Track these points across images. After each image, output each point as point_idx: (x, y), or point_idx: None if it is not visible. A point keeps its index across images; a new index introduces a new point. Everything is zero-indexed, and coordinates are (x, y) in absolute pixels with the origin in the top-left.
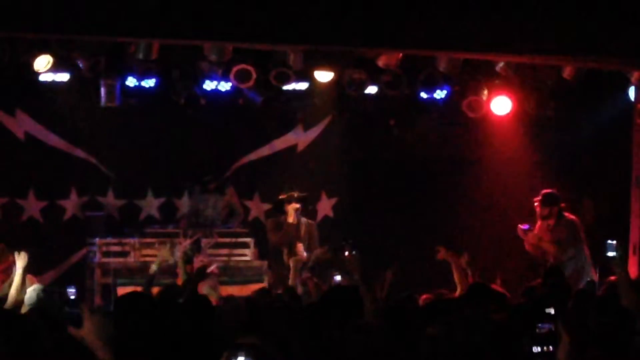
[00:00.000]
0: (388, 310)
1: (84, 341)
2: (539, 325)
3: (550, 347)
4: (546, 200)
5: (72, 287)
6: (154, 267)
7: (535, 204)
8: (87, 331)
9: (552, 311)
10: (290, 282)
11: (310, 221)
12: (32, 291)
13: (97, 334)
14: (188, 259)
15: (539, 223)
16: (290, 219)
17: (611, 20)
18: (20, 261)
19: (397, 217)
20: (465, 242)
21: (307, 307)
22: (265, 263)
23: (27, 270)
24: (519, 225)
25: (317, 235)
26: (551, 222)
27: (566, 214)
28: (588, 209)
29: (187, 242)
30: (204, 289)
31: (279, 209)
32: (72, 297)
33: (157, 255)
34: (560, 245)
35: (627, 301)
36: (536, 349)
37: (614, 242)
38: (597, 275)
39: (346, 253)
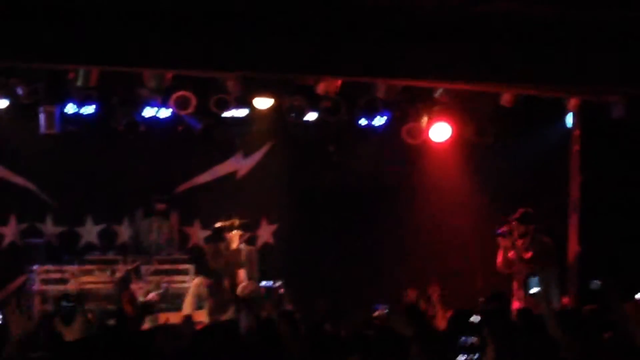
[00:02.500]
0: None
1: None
2: (463, 338)
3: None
4: (523, 219)
5: None
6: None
7: (512, 222)
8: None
9: (477, 318)
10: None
11: (250, 247)
12: None
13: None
14: (124, 285)
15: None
16: (234, 245)
17: (548, 48)
18: None
19: (337, 243)
20: (406, 267)
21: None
22: (205, 290)
23: None
24: (498, 230)
25: (257, 261)
26: (526, 240)
27: (540, 234)
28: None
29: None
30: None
31: (218, 236)
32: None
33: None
34: (529, 263)
35: (553, 332)
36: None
37: (536, 277)
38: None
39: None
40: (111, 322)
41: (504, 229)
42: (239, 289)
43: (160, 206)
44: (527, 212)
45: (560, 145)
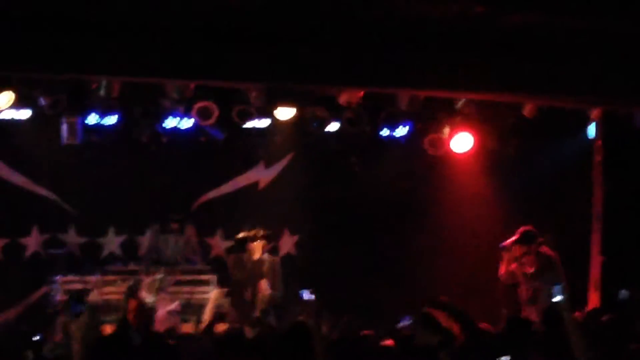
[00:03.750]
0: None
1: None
2: None
3: None
4: (524, 239)
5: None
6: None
7: (514, 241)
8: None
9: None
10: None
11: (273, 258)
12: None
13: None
14: (131, 293)
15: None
16: (256, 255)
17: (570, 59)
18: None
19: (359, 253)
20: (428, 278)
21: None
22: (227, 300)
23: None
24: (501, 244)
25: (280, 272)
26: (531, 258)
27: (544, 249)
28: (549, 244)
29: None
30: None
31: (241, 247)
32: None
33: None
34: (535, 279)
35: (575, 340)
36: None
37: (559, 285)
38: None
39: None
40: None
41: (507, 242)
42: (261, 299)
43: (174, 225)
44: (527, 232)
45: (583, 155)
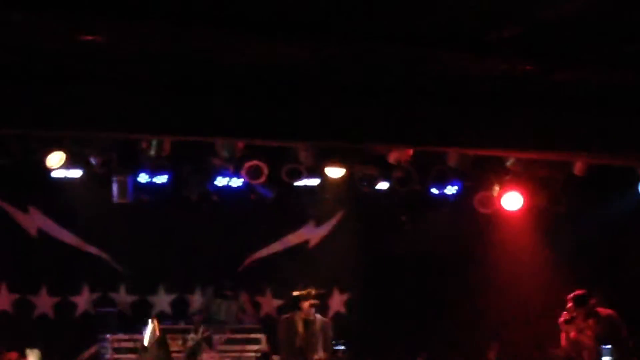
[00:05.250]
0: None
1: None
2: None
3: None
4: (576, 303)
5: None
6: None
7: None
8: None
9: None
10: None
11: (324, 319)
12: None
13: None
14: (193, 353)
15: (579, 321)
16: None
17: (620, 116)
18: (32, 358)
19: (409, 312)
20: (478, 336)
21: None
22: (277, 358)
23: None
24: (560, 318)
25: (332, 332)
26: (590, 321)
27: (600, 309)
28: (599, 301)
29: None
30: None
31: (294, 305)
32: None
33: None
34: (599, 340)
35: None
36: None
37: (609, 347)
38: None
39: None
40: None
41: (566, 316)
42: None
43: (227, 292)
44: (578, 296)
45: (633, 213)
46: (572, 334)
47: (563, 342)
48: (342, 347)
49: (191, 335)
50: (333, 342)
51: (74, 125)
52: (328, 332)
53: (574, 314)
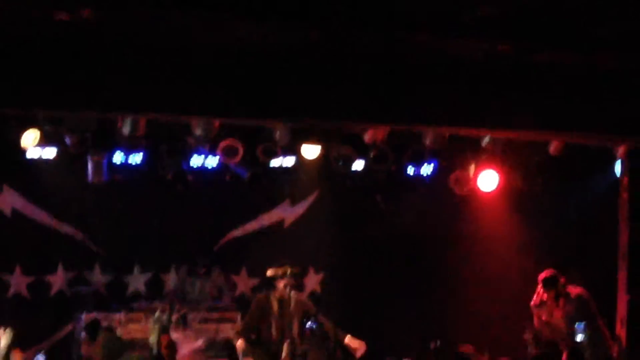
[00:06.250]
0: None
1: None
2: None
3: None
4: (547, 284)
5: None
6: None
7: (540, 290)
8: None
9: None
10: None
11: (300, 297)
12: None
13: None
14: (164, 329)
15: (549, 303)
16: (282, 294)
17: (596, 96)
18: (5, 338)
19: (383, 292)
20: (451, 319)
21: None
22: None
23: (12, 346)
24: (532, 302)
25: (310, 306)
26: (561, 301)
27: (570, 288)
28: (574, 279)
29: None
30: None
31: (269, 284)
32: None
33: (152, 328)
34: (571, 321)
35: None
36: None
37: (582, 324)
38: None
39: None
40: None
41: (536, 300)
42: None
43: (201, 270)
44: (546, 278)
45: (609, 193)
46: (543, 317)
47: (536, 324)
48: (314, 325)
49: (157, 314)
50: (304, 320)
51: (48, 104)
52: (303, 308)
53: (544, 297)
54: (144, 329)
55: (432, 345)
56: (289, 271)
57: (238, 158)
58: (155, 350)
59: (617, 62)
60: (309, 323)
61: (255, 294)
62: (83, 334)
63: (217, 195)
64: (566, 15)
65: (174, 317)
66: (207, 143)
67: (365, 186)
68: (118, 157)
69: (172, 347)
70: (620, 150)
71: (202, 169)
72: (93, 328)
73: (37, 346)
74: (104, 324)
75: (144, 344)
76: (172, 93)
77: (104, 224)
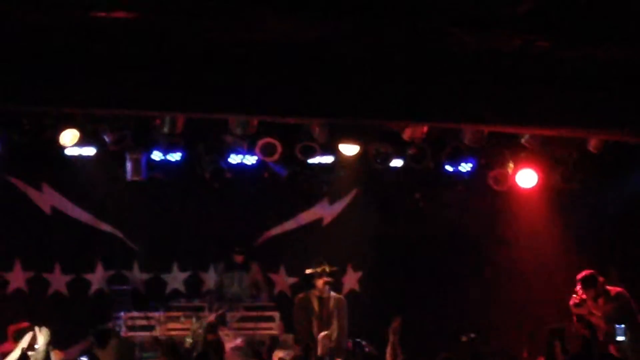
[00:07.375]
0: None
1: None
2: None
3: None
4: (586, 284)
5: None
6: (188, 341)
7: (579, 290)
8: None
9: None
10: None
11: (339, 296)
12: None
13: None
14: (212, 329)
15: (589, 303)
16: (321, 293)
17: (635, 92)
18: (43, 337)
19: (423, 290)
20: (491, 315)
21: None
22: (290, 336)
23: (51, 345)
24: (570, 301)
25: (346, 310)
26: (600, 300)
27: (609, 287)
28: (613, 278)
29: (212, 316)
30: None
31: (308, 283)
32: None
33: (190, 329)
34: (610, 320)
35: None
36: None
37: (623, 326)
38: None
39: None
40: None
41: (576, 299)
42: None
43: (238, 258)
44: (585, 277)
45: None
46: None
47: (576, 320)
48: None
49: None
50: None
51: (87, 103)
52: (342, 309)
53: (584, 296)
54: (183, 327)
55: (464, 339)
56: (327, 270)
57: (276, 156)
58: (199, 349)
59: None
60: (359, 340)
61: (295, 294)
62: (122, 334)
63: (255, 194)
64: (604, 10)
65: (213, 317)
66: (245, 141)
67: (404, 184)
68: (156, 155)
69: (219, 345)
70: None
71: (241, 166)
72: (103, 337)
73: (79, 345)
74: (143, 323)
75: (184, 343)
76: (210, 91)
77: (142, 222)
